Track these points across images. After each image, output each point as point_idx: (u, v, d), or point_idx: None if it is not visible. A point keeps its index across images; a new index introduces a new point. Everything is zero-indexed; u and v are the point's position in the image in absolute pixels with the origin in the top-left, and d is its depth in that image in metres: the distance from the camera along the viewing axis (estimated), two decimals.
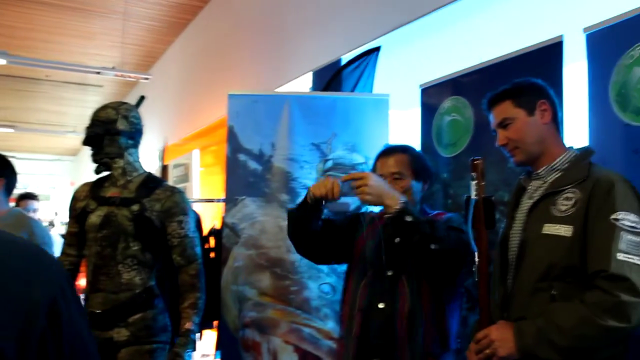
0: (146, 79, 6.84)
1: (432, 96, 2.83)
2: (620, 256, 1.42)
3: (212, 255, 3.48)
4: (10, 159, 2.95)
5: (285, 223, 2.66)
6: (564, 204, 1.57)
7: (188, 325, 2.15)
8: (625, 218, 1.46)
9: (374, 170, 2.17)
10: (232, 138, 3.04)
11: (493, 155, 2.32)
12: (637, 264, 1.42)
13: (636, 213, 1.48)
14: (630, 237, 1.44)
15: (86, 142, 2.30)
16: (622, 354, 1.54)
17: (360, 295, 2.02)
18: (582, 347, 1.47)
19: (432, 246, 1.79)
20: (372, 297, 1.99)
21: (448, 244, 1.81)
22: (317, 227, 2.06)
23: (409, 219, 1.79)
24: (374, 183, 1.81)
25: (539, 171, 1.69)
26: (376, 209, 2.24)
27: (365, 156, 2.94)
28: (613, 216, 1.46)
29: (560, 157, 1.66)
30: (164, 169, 6.47)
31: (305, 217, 2.03)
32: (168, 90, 8.14)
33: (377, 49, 3.36)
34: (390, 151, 2.16)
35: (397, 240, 2.01)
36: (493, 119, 1.75)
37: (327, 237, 2.13)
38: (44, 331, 0.82)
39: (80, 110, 10.36)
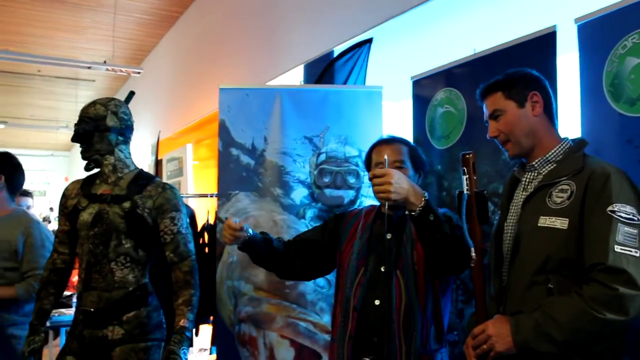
0: (138, 72, 6.80)
1: (425, 88, 2.81)
2: (618, 248, 1.41)
3: (206, 250, 3.47)
4: (15, 156, 2.94)
5: (279, 217, 2.65)
6: (559, 196, 1.56)
7: (182, 322, 2.13)
8: (622, 210, 1.45)
9: (369, 159, 2.14)
10: (223, 132, 3.02)
11: (486, 147, 2.31)
12: (635, 256, 1.41)
13: (632, 204, 1.47)
14: (627, 228, 1.44)
15: (75, 139, 2.27)
16: (620, 346, 1.54)
17: (355, 293, 1.99)
18: (580, 341, 1.47)
19: (450, 245, 1.77)
20: (366, 294, 1.97)
21: (461, 242, 1.77)
22: (279, 248, 2.12)
23: (432, 217, 1.73)
24: (398, 180, 1.71)
25: (533, 163, 1.68)
26: (365, 203, 2.23)
27: (358, 149, 2.93)
28: (609, 208, 1.45)
29: (554, 149, 1.65)
30: (158, 163, 6.44)
31: (253, 255, 2.11)
32: (160, 84, 8.10)
33: (369, 41, 3.34)
34: (390, 140, 2.14)
35: (388, 236, 2.00)
36: (485, 109, 1.74)
37: (306, 255, 2.16)
38: None
39: (72, 106, 10.32)
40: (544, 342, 1.47)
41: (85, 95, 10.02)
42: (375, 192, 1.75)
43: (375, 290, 1.96)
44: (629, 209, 1.46)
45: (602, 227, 1.45)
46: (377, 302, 1.95)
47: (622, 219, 1.44)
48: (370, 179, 1.77)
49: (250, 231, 2.03)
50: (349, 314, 1.99)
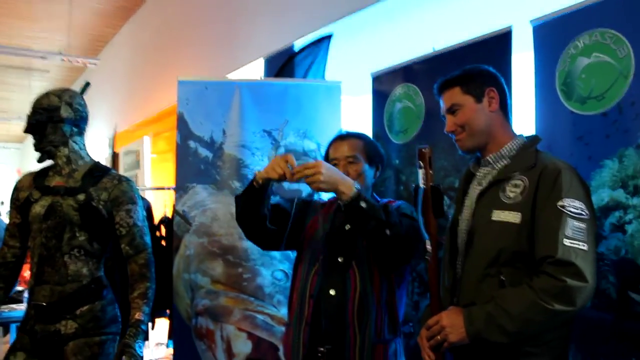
0: (94, 63, 6.66)
1: (384, 83, 2.84)
2: (567, 242, 1.46)
3: (163, 243, 3.43)
4: None
5: None
6: (512, 190, 1.59)
7: (138, 315, 2.11)
8: (571, 205, 1.49)
9: (327, 155, 2.17)
10: (182, 125, 2.99)
11: (444, 142, 2.35)
12: (583, 249, 1.46)
13: (581, 200, 1.52)
14: (576, 223, 1.48)
15: (28, 130, 2.21)
16: (567, 334, 1.60)
17: (312, 281, 2.01)
18: (531, 331, 1.51)
19: (387, 232, 1.80)
20: (323, 283, 1.99)
21: (402, 230, 1.81)
22: (266, 212, 2.02)
23: (363, 205, 1.78)
24: (327, 171, 1.79)
25: (488, 158, 1.71)
26: (327, 196, 2.24)
27: (317, 142, 2.94)
28: (560, 203, 1.49)
29: (508, 145, 1.68)
30: (114, 156, 6.33)
31: (254, 201, 1.97)
32: (117, 76, 7.95)
33: (329, 36, 3.35)
34: (344, 136, 2.16)
35: (347, 227, 2.02)
36: (442, 104, 1.76)
37: (276, 223, 2.09)
38: None
39: (25, 96, 9.98)
40: (496, 332, 1.50)
41: (38, 86, 9.74)
42: (307, 182, 1.81)
43: (331, 280, 1.98)
44: (578, 204, 1.50)
45: (553, 222, 1.49)
46: (332, 292, 1.97)
47: (571, 214, 1.48)
48: (295, 172, 1.81)
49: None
50: (305, 300, 2.01)
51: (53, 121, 2.19)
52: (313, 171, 1.78)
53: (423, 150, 1.67)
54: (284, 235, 2.12)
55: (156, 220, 3.55)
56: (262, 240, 2.14)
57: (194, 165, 2.98)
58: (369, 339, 1.94)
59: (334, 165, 2.06)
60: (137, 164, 5.89)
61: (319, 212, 2.13)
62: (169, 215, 3.45)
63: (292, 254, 2.80)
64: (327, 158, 2.17)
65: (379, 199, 2.15)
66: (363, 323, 1.95)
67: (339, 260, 2.00)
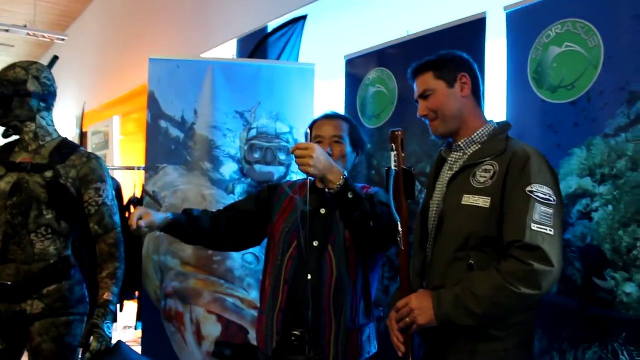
0: (62, 39, 6.50)
1: (357, 67, 2.84)
2: (534, 227, 1.48)
3: None
4: None
5: (208, 191, 2.59)
6: (483, 175, 1.61)
7: (107, 295, 2.08)
8: (540, 190, 1.52)
9: (310, 134, 2.12)
10: (153, 104, 2.95)
11: (416, 127, 2.37)
12: (549, 234, 1.49)
13: (549, 186, 1.54)
14: (543, 208, 1.50)
15: None
16: (533, 318, 1.63)
17: (287, 266, 1.99)
18: (498, 314, 1.54)
19: (371, 223, 1.79)
20: (298, 268, 1.97)
21: (384, 221, 1.81)
22: (206, 224, 2.08)
23: (350, 195, 1.77)
24: (319, 156, 1.75)
25: (459, 143, 1.73)
26: (297, 177, 2.22)
27: (289, 125, 2.93)
28: (528, 188, 1.52)
29: (480, 130, 1.70)
30: (82, 136, 6.21)
31: (178, 235, 2.07)
32: (86, 53, 7.79)
33: (304, 18, 3.33)
34: (332, 116, 2.14)
35: (323, 211, 2.01)
36: (416, 89, 1.77)
37: (239, 226, 2.13)
38: None
39: None
40: (464, 315, 1.53)
41: (2, 61, 9.44)
42: (297, 163, 1.78)
43: (307, 265, 1.96)
44: (546, 189, 1.53)
45: (521, 206, 1.51)
46: (309, 277, 1.95)
47: (539, 199, 1.51)
48: (292, 152, 1.78)
49: (170, 215, 2.00)
50: (279, 286, 1.99)
51: (19, 95, 2.13)
52: (304, 153, 1.75)
53: (396, 132, 1.68)
54: (251, 234, 2.18)
55: (125, 200, 3.50)
56: (228, 246, 2.22)
57: (164, 145, 2.94)
58: (344, 325, 1.94)
59: (318, 143, 2.04)
60: (106, 144, 5.80)
61: (290, 196, 2.11)
62: (138, 195, 3.41)
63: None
64: (310, 136, 2.12)
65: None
66: (339, 309, 1.94)
67: (315, 244, 1.98)
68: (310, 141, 2.12)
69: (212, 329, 2.88)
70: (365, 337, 2.02)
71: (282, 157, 2.91)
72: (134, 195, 3.46)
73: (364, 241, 1.89)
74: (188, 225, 2.04)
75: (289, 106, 2.94)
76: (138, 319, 3.38)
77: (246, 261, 2.89)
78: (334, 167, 1.78)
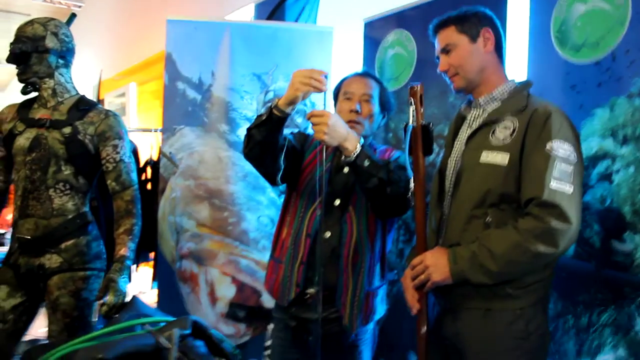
0: (79, 6, 6.49)
1: (376, 30, 2.80)
2: (553, 184, 1.47)
3: (148, 186, 3.41)
4: None
5: (225, 153, 2.55)
6: (502, 132, 1.59)
7: (123, 251, 2.10)
8: (560, 147, 1.50)
9: (338, 89, 2.09)
10: (170, 66, 2.94)
11: (434, 89, 2.34)
12: (568, 192, 1.47)
13: (570, 142, 1.52)
14: (563, 165, 1.49)
15: (11, 60, 2.14)
16: (549, 278, 1.62)
17: (310, 219, 1.96)
18: (514, 272, 1.53)
19: (388, 190, 1.78)
20: (318, 225, 1.94)
21: (401, 187, 1.79)
22: (283, 142, 1.90)
23: (367, 163, 1.75)
24: (334, 123, 1.73)
25: (479, 100, 1.70)
26: None
27: None
28: (548, 145, 1.50)
29: (501, 87, 1.68)
30: (99, 102, 6.23)
31: (273, 132, 1.83)
32: (103, 21, 7.76)
33: None
34: (363, 74, 2.11)
35: (346, 169, 1.98)
36: (437, 44, 1.74)
37: (287, 155, 1.96)
38: None
39: (4, 41, 9.66)
40: (479, 272, 1.52)
41: None
42: (313, 130, 1.75)
43: (327, 222, 1.94)
44: (567, 146, 1.51)
45: (540, 163, 1.49)
46: (327, 235, 1.94)
47: (559, 156, 1.49)
48: (308, 118, 1.76)
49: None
50: (301, 238, 1.97)
51: (38, 51, 2.13)
52: (320, 120, 1.72)
53: (415, 87, 1.66)
54: (291, 168, 2.01)
55: (142, 163, 3.51)
56: (276, 173, 1.97)
57: (181, 107, 2.93)
58: (361, 287, 1.94)
59: (347, 99, 2.01)
60: (123, 111, 5.82)
61: (317, 149, 1.99)
62: (155, 158, 3.42)
63: (280, 200, 2.80)
64: (337, 92, 2.10)
65: (377, 146, 2.12)
66: (357, 270, 1.94)
67: (336, 203, 1.96)
68: (336, 97, 2.10)
69: (226, 291, 2.90)
70: (378, 299, 2.03)
71: (298, 120, 2.89)
72: (150, 157, 3.46)
73: (380, 207, 1.88)
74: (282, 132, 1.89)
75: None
76: (153, 279, 3.41)
77: (261, 223, 2.90)
78: (349, 134, 1.77)
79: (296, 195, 2.05)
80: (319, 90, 1.74)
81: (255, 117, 1.88)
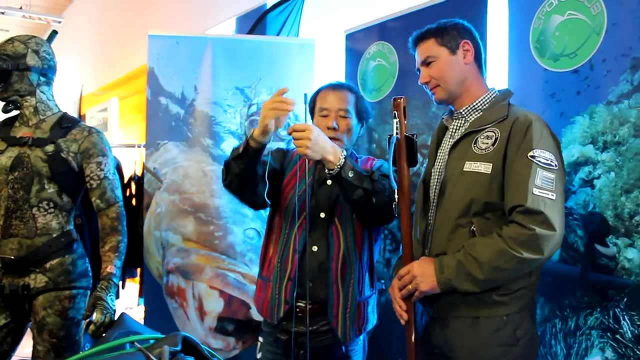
0: (58, 22, 6.46)
1: (358, 41, 2.82)
2: (536, 191, 1.49)
3: (133, 202, 3.39)
4: None
5: (209, 167, 2.55)
6: (484, 142, 1.61)
7: (110, 268, 2.08)
8: (541, 155, 1.52)
9: (313, 103, 2.07)
10: (152, 80, 2.94)
11: (417, 100, 2.36)
12: (551, 199, 1.49)
13: (551, 151, 1.55)
14: (545, 173, 1.51)
15: None
16: (535, 284, 1.64)
17: (296, 236, 1.96)
18: (500, 279, 1.55)
19: (373, 200, 1.78)
20: (305, 239, 1.94)
21: (386, 196, 1.80)
22: (261, 171, 1.88)
23: (351, 174, 1.75)
24: (316, 137, 1.71)
25: (461, 110, 1.72)
26: None
27: None
28: (530, 153, 1.52)
29: (482, 97, 1.70)
30: (81, 118, 6.19)
31: (252, 163, 1.82)
32: (83, 36, 7.74)
33: None
34: (337, 86, 2.07)
35: (329, 182, 1.98)
36: (417, 57, 1.76)
37: (269, 178, 1.91)
38: None
39: None
40: (466, 280, 1.54)
41: None
42: (295, 144, 1.74)
43: (313, 236, 1.95)
44: (548, 154, 1.53)
45: (523, 171, 1.51)
46: (314, 248, 1.95)
47: (541, 164, 1.51)
48: (289, 133, 1.74)
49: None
50: (288, 255, 1.97)
51: (19, 69, 2.12)
52: (302, 135, 1.71)
53: (398, 100, 1.67)
54: (273, 191, 1.99)
55: (126, 178, 3.50)
56: (257, 201, 1.97)
57: (164, 121, 2.93)
58: (352, 298, 1.94)
59: (323, 116, 2.00)
60: (105, 126, 5.79)
61: (299, 164, 2.01)
62: (139, 173, 3.41)
63: (265, 212, 2.80)
64: (313, 106, 2.08)
65: (358, 156, 2.13)
66: (346, 282, 1.94)
67: (321, 216, 1.96)
68: (312, 111, 2.09)
69: (215, 305, 2.89)
70: (370, 308, 2.03)
71: (282, 132, 2.90)
72: (134, 172, 3.45)
73: (366, 217, 1.89)
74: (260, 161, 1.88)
75: (290, 82, 2.92)
76: (140, 295, 3.39)
77: (247, 236, 2.90)
78: (332, 147, 1.75)
79: (280, 212, 2.04)
80: (286, 111, 1.75)
81: (238, 130, 1.87)
